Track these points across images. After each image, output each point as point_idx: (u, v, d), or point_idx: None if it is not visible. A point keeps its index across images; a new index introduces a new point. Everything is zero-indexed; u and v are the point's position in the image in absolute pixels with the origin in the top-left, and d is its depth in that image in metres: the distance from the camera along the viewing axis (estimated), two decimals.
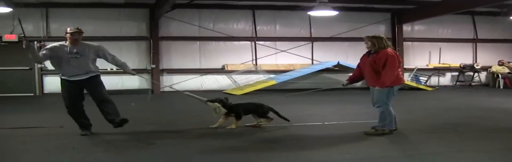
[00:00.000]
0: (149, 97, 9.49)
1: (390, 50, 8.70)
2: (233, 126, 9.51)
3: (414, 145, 7.98)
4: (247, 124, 9.74)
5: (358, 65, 9.34)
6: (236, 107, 9.78)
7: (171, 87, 10.27)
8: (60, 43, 9.00)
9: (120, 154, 7.27)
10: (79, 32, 8.90)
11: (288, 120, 9.77)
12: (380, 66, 8.56)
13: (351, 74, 9.75)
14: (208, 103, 9.64)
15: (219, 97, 9.83)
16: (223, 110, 9.54)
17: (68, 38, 8.90)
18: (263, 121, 9.79)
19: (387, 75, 8.51)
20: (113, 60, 9.35)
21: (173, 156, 7.09)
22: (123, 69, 9.55)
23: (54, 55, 8.91)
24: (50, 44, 9.07)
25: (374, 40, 8.73)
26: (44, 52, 8.93)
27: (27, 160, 6.85)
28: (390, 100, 8.82)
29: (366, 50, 9.05)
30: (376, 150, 7.50)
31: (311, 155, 7.15)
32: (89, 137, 8.63)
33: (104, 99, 8.96)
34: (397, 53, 8.79)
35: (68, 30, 8.89)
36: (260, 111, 9.79)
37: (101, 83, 9.20)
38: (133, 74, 9.80)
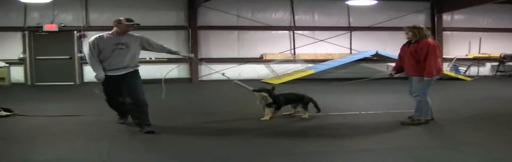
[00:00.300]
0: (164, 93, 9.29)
1: (431, 40, 8.70)
2: (267, 118, 9.35)
3: (450, 135, 7.96)
4: (284, 113, 9.72)
5: (399, 55, 9.36)
6: (278, 97, 9.63)
7: (223, 74, 10.08)
8: (101, 34, 8.56)
9: (157, 142, 7.40)
10: (137, 25, 8.70)
11: (319, 111, 9.73)
12: (422, 56, 8.56)
13: (389, 63, 9.76)
14: (255, 92, 9.51)
15: (265, 87, 9.72)
16: (269, 100, 9.40)
17: (119, 28, 8.52)
18: (301, 111, 9.73)
19: (431, 65, 8.51)
20: (162, 48, 9.09)
21: (208, 145, 7.20)
22: (178, 54, 9.26)
23: (100, 48, 8.41)
24: (92, 39, 8.45)
25: (415, 30, 8.72)
26: (93, 53, 8.40)
27: (68, 146, 6.99)
28: (428, 90, 8.81)
29: (405, 40, 9.04)
30: (412, 140, 7.52)
31: (345, 144, 7.19)
32: (127, 125, 8.71)
33: (137, 100, 8.36)
34: (438, 43, 8.78)
35: (124, 20, 8.54)
36: (302, 101, 9.71)
37: (138, 79, 8.69)
38: (190, 57, 9.87)
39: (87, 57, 8.47)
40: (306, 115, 9.57)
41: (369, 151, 6.61)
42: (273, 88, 9.62)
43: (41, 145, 7.14)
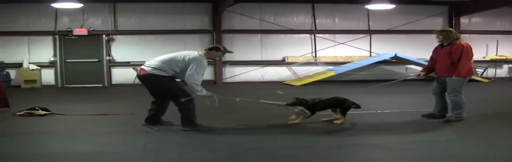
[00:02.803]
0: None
1: (464, 42, 9.25)
2: (295, 122, 9.17)
3: (464, 131, 8.51)
4: (324, 119, 9.54)
5: (431, 57, 9.85)
6: (317, 105, 9.35)
7: (279, 92, 9.90)
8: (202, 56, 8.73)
9: (190, 136, 8.05)
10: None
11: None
12: (456, 57, 9.07)
13: (408, 65, 10.25)
14: (289, 107, 9.17)
15: (297, 98, 9.23)
16: (307, 112, 9.09)
17: (212, 55, 8.98)
18: (339, 119, 9.33)
19: (464, 66, 9.04)
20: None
21: (239, 138, 7.86)
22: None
23: None
24: (205, 60, 8.69)
25: (444, 33, 9.29)
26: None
27: (107, 140, 7.70)
28: (462, 89, 9.34)
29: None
30: (429, 135, 8.17)
31: (361, 138, 7.86)
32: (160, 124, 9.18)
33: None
34: (470, 45, 9.28)
35: (222, 49, 9.05)
36: (343, 106, 9.44)
37: (162, 85, 8.67)
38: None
39: (198, 75, 8.51)
40: (339, 121, 9.27)
41: (384, 144, 7.21)
42: (305, 99, 9.23)
43: (82, 140, 7.78)
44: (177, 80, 8.87)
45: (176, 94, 8.60)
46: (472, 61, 9.33)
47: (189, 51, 9.02)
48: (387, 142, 7.42)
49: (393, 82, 10.87)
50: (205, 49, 9.02)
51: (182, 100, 8.47)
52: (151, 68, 8.61)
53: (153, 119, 9.13)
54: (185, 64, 8.52)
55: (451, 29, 9.51)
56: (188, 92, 8.68)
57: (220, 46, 9.26)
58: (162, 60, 8.68)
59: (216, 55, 9.10)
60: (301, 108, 9.07)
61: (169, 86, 8.62)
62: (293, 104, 9.13)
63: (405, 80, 11.67)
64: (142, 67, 8.79)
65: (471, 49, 9.21)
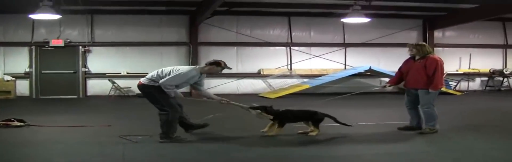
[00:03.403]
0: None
1: (437, 56, 9.57)
2: (271, 133, 9.29)
3: (436, 142, 8.67)
4: (299, 131, 9.68)
5: (400, 69, 10.09)
6: (284, 113, 9.53)
7: (254, 105, 10.01)
8: (194, 70, 9.12)
9: (167, 147, 8.09)
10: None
11: (349, 125, 9.96)
12: (431, 71, 9.34)
13: (382, 78, 10.48)
14: (250, 110, 9.48)
15: (263, 105, 9.58)
16: (268, 115, 9.34)
17: (212, 70, 9.29)
18: (314, 131, 9.47)
19: (438, 79, 9.35)
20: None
21: (215, 148, 7.93)
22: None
23: (187, 80, 9.11)
24: (193, 73, 9.05)
25: (419, 47, 9.56)
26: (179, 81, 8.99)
27: (85, 151, 7.75)
28: (434, 101, 9.59)
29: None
30: (400, 147, 8.30)
31: (337, 150, 8.01)
32: (137, 134, 9.33)
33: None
34: (442, 59, 9.60)
35: (223, 64, 9.32)
36: (315, 118, 9.56)
37: (150, 94, 9.02)
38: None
39: (170, 81, 8.80)
40: (314, 133, 9.39)
41: (360, 156, 7.35)
42: (271, 106, 9.49)
43: (60, 151, 7.84)
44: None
45: (160, 105, 8.91)
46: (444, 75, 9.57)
47: (188, 66, 9.43)
48: (362, 153, 7.57)
49: (353, 93, 11.12)
50: (206, 64, 9.36)
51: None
52: (145, 79, 9.09)
53: (184, 126, 9.64)
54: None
55: (424, 43, 9.76)
56: (173, 105, 8.94)
57: (221, 61, 9.43)
58: (158, 71, 9.09)
59: (215, 70, 9.34)
60: (259, 111, 9.33)
61: (155, 96, 8.91)
62: (255, 108, 9.43)
63: (369, 92, 11.81)
64: (141, 79, 9.25)
65: (443, 63, 9.51)
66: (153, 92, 8.90)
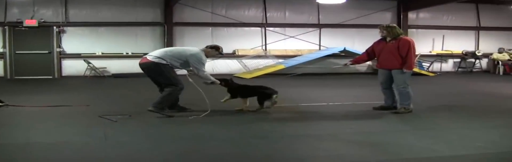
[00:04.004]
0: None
1: (408, 38, 9.75)
2: (223, 100, 9.93)
3: (410, 122, 8.82)
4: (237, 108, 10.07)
5: (367, 50, 10.27)
6: (238, 88, 10.13)
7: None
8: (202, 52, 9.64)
9: (149, 126, 8.17)
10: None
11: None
12: (404, 51, 9.50)
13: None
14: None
15: (225, 78, 10.14)
16: (216, 81, 9.73)
17: (210, 53, 9.76)
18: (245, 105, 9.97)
19: (412, 60, 9.56)
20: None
21: (196, 129, 8.02)
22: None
23: None
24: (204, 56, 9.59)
25: (389, 29, 9.69)
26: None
27: (67, 130, 7.82)
28: (408, 81, 9.76)
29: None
30: (373, 126, 8.44)
31: (313, 129, 8.10)
32: (115, 113, 9.39)
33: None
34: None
35: (221, 50, 9.90)
36: (261, 93, 9.87)
37: (160, 71, 9.45)
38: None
39: (200, 68, 9.45)
40: (244, 107, 9.95)
41: (336, 135, 7.47)
42: (231, 79, 10.13)
43: (42, 131, 7.87)
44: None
45: (169, 82, 9.43)
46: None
47: (191, 47, 9.97)
48: (338, 132, 7.69)
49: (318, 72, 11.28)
50: (206, 47, 9.87)
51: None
52: (153, 57, 9.44)
53: (173, 107, 9.91)
54: (184, 59, 9.43)
55: (394, 25, 9.90)
56: (181, 83, 9.49)
57: (220, 46, 9.94)
58: (165, 51, 9.70)
59: (213, 53, 9.84)
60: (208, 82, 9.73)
61: (165, 74, 9.40)
62: (219, 79, 9.85)
63: (344, 73, 11.88)
64: (145, 56, 9.68)
65: (414, 44, 9.71)
66: (162, 69, 9.36)
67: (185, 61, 9.46)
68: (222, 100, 9.95)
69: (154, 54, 9.52)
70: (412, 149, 6.49)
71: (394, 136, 7.36)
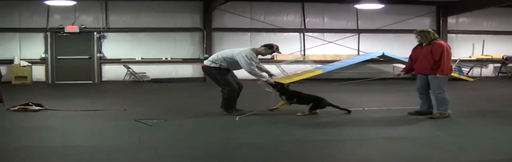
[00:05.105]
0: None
1: (443, 42, 9.66)
2: (277, 106, 10.28)
3: (447, 127, 8.78)
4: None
5: (410, 57, 10.20)
6: (293, 94, 10.33)
7: (268, 89, 10.87)
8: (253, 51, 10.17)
9: (182, 131, 8.27)
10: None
11: (349, 111, 10.38)
12: (438, 56, 9.42)
13: (395, 64, 10.61)
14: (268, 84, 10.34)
15: (283, 84, 10.54)
16: (272, 83, 10.21)
17: (264, 51, 10.29)
18: (303, 112, 10.10)
19: (445, 64, 9.42)
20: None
21: (231, 133, 8.10)
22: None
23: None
24: (254, 55, 10.10)
25: (422, 34, 9.67)
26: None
27: (103, 135, 7.95)
28: (445, 86, 9.68)
29: (411, 41, 9.97)
30: (413, 131, 8.43)
31: (346, 134, 8.18)
32: (153, 118, 9.48)
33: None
34: (449, 45, 9.72)
35: (275, 48, 10.33)
36: (316, 103, 10.17)
37: (211, 74, 10.32)
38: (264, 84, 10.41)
39: (249, 66, 9.98)
40: (302, 113, 10.07)
41: (368, 140, 7.48)
42: (288, 85, 10.52)
43: (77, 134, 8.04)
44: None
45: (218, 83, 10.29)
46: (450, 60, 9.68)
47: (244, 48, 10.42)
48: (372, 137, 7.69)
49: (368, 79, 11.25)
50: (261, 45, 10.42)
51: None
52: (207, 61, 10.33)
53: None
54: (233, 59, 10.02)
55: (429, 29, 9.82)
56: (230, 84, 10.16)
57: (274, 44, 10.36)
58: (218, 53, 10.39)
59: (265, 52, 10.33)
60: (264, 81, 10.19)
61: (214, 76, 10.21)
62: (277, 83, 10.39)
63: (382, 79, 11.89)
64: (204, 61, 10.54)
65: (450, 49, 9.60)
66: (213, 72, 10.18)
67: (235, 60, 9.98)
68: (275, 107, 10.30)
69: (210, 58, 10.32)
70: (443, 154, 6.47)
71: (426, 141, 7.33)
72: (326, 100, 10.28)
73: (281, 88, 10.31)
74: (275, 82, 10.35)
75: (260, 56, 10.38)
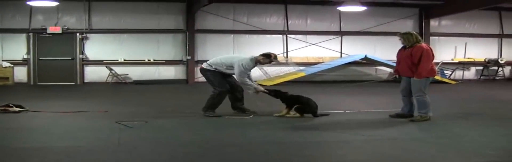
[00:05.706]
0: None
1: (424, 45, 9.63)
2: (280, 114, 10.14)
3: (429, 129, 8.79)
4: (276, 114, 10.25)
5: (396, 59, 10.19)
6: (291, 98, 10.32)
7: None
8: (249, 59, 10.19)
9: (162, 132, 8.26)
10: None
11: (327, 114, 10.31)
12: (416, 59, 9.42)
13: (378, 67, 10.61)
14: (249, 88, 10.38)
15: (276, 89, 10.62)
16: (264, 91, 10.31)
17: (262, 60, 10.30)
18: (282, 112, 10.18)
19: (423, 67, 9.39)
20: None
21: (209, 135, 8.09)
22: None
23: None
24: (250, 64, 10.14)
25: (405, 36, 9.66)
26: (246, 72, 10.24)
27: (82, 136, 7.87)
28: (426, 89, 9.65)
29: (394, 44, 10.01)
30: (394, 133, 8.40)
31: (327, 135, 8.17)
32: (132, 119, 9.46)
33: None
34: (431, 48, 9.69)
35: (273, 57, 10.38)
36: (301, 106, 10.09)
37: (206, 76, 10.46)
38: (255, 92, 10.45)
39: (239, 76, 10.10)
40: (281, 113, 10.17)
41: (349, 142, 7.48)
42: (286, 92, 10.41)
43: (58, 135, 7.97)
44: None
45: (212, 85, 10.41)
46: (432, 62, 9.67)
47: (245, 55, 10.69)
48: (351, 139, 7.69)
49: (367, 82, 11.25)
50: (260, 54, 10.43)
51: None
52: (205, 64, 10.55)
53: (235, 108, 10.75)
54: (232, 65, 10.15)
55: (412, 32, 9.81)
56: (223, 86, 10.27)
57: (272, 54, 10.46)
58: (219, 57, 10.58)
59: (264, 61, 10.38)
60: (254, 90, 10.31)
61: (209, 78, 10.39)
62: (270, 91, 10.46)
63: (381, 81, 11.94)
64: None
65: (432, 51, 9.59)
66: (208, 74, 10.38)
67: (233, 66, 10.12)
68: (280, 114, 10.19)
69: (209, 61, 10.56)
70: (422, 156, 6.50)
71: (406, 143, 7.36)
72: (313, 107, 10.16)
73: (277, 94, 10.40)
74: (268, 89, 10.45)
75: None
